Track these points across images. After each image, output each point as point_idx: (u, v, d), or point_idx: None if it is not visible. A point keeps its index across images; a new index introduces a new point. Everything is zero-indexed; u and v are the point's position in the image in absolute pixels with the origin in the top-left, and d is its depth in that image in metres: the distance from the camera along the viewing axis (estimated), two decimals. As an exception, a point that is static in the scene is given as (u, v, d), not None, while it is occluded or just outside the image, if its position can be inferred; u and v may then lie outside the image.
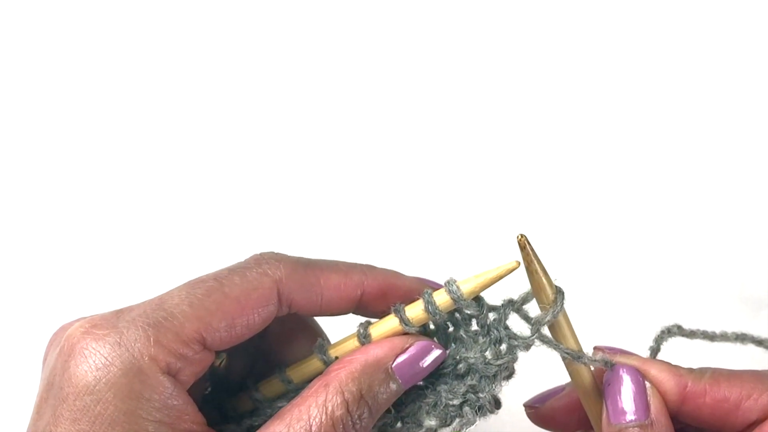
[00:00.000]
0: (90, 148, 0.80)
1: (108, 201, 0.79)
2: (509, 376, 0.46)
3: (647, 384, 0.45)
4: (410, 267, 0.51)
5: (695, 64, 0.79)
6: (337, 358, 0.45)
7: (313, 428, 0.41)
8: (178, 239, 0.78)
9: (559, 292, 0.45)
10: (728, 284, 0.76)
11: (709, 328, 0.68)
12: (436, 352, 0.45)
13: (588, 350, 0.47)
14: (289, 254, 0.44)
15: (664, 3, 0.80)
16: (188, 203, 0.79)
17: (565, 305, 0.45)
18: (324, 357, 0.46)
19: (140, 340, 0.39)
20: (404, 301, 0.46)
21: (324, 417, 0.41)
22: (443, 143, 0.79)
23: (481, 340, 0.45)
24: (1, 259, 0.78)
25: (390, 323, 0.45)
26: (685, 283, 0.76)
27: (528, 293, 0.45)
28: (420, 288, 0.46)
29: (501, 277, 0.44)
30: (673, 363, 0.47)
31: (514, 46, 0.80)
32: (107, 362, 0.39)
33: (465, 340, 0.46)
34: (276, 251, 0.45)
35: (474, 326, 0.46)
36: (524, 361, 0.47)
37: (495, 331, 0.45)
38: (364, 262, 0.47)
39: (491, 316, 0.45)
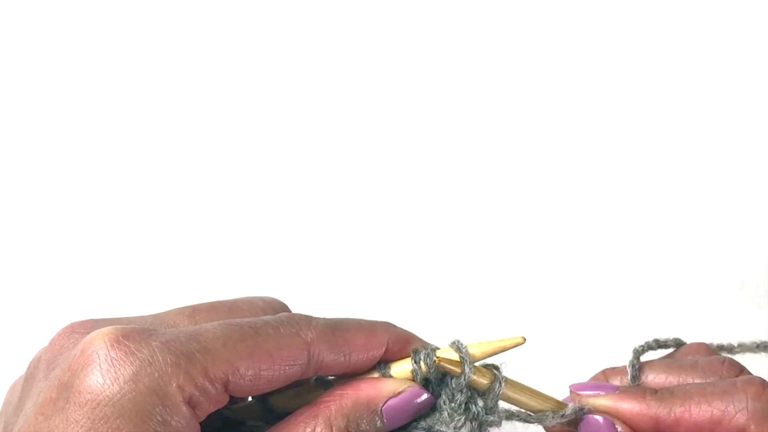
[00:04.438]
0: (91, 151, 0.80)
1: (105, 204, 0.80)
2: None
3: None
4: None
5: (692, 57, 0.80)
6: None
7: None
8: (176, 247, 0.79)
9: (496, 380, 0.45)
10: (727, 284, 0.76)
11: (709, 328, 0.68)
12: (425, 398, 0.45)
13: (559, 391, 0.48)
14: (315, 316, 0.45)
15: (664, 3, 0.80)
16: (188, 214, 0.80)
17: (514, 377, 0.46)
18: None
19: (171, 365, 0.39)
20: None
21: None
22: (444, 167, 0.81)
23: (457, 416, 0.45)
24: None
25: (405, 366, 0.46)
26: (684, 283, 0.77)
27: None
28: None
29: (506, 350, 0.45)
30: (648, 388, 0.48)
31: (515, 67, 0.81)
32: (135, 378, 0.38)
33: (444, 411, 0.46)
34: (304, 313, 0.45)
35: (455, 403, 0.46)
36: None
37: (473, 408, 0.45)
38: (384, 319, 0.48)
39: (465, 393, 0.45)
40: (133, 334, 0.40)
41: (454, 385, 0.45)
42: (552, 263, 0.77)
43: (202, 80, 0.82)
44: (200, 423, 0.42)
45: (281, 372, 0.42)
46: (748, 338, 0.54)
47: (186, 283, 0.77)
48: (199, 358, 0.40)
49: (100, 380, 0.38)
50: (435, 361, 0.45)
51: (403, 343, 0.46)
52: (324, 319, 0.45)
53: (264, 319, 0.43)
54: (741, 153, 0.79)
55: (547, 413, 0.46)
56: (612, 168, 0.80)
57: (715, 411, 0.44)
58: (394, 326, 0.47)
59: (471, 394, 0.45)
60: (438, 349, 0.45)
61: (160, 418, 0.38)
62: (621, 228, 0.78)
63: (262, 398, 0.46)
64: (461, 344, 0.45)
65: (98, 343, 0.39)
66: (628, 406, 0.46)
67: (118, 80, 0.81)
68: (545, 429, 0.48)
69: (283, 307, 0.48)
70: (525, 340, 0.44)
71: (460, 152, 0.81)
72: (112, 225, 0.79)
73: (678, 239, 0.78)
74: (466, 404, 0.45)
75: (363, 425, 0.43)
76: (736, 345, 0.54)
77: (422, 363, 0.45)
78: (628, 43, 0.81)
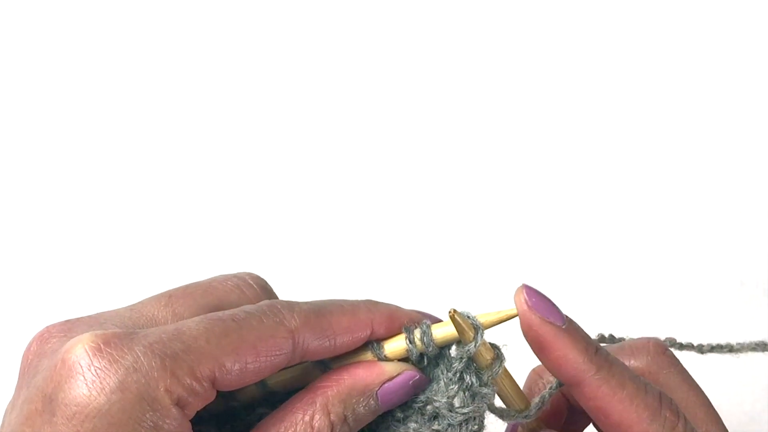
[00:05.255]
0: (83, 152, 0.81)
1: (94, 201, 0.80)
2: (479, 429, 0.45)
3: None
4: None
5: (693, 60, 0.80)
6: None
7: None
8: (163, 242, 0.79)
9: (498, 359, 0.45)
10: (727, 283, 0.76)
11: (708, 327, 0.68)
12: (419, 380, 0.46)
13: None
14: (299, 301, 0.45)
15: (664, 3, 0.80)
16: (178, 208, 0.80)
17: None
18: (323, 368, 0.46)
19: (158, 369, 0.38)
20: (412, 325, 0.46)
21: None
22: (438, 161, 0.81)
23: (450, 386, 0.45)
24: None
25: (398, 343, 0.46)
26: (684, 282, 0.77)
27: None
28: (420, 320, 0.47)
29: (502, 321, 0.45)
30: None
31: (520, 65, 0.81)
32: (122, 386, 0.38)
33: (441, 381, 0.46)
34: (288, 299, 0.45)
35: (450, 372, 0.46)
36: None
37: (467, 377, 0.45)
38: (366, 298, 0.47)
39: (461, 362, 0.45)
40: (114, 339, 0.39)
41: (454, 354, 0.45)
42: (551, 261, 0.77)
43: (193, 76, 0.82)
44: (212, 412, 0.43)
45: (267, 363, 0.42)
46: (748, 337, 0.54)
47: (165, 268, 0.77)
48: (184, 358, 0.39)
49: (86, 392, 0.38)
50: (432, 338, 0.45)
51: (388, 321, 0.46)
52: (306, 304, 0.44)
53: (246, 310, 0.43)
54: (741, 153, 0.79)
55: (509, 410, 0.47)
56: (612, 167, 0.80)
57: (633, 417, 0.44)
58: (377, 304, 0.46)
59: (468, 364, 0.45)
60: (437, 322, 0.46)
61: (151, 423, 0.38)
62: (621, 227, 0.78)
63: (262, 381, 0.46)
64: (470, 314, 0.45)
65: (79, 352, 0.38)
66: (566, 347, 0.45)
67: (112, 79, 0.82)
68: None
69: (257, 280, 0.48)
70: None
71: (457, 143, 0.81)
72: (87, 212, 0.79)
73: (678, 239, 0.78)
74: (461, 374, 0.45)
75: (359, 408, 0.44)
76: (735, 344, 0.54)
77: (418, 341, 0.45)
78: (629, 44, 0.81)
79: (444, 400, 0.45)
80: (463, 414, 0.44)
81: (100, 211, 0.79)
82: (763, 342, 0.54)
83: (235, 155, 0.81)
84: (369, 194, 0.80)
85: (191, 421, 0.42)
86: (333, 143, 0.81)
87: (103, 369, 0.38)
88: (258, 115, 0.82)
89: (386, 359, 0.46)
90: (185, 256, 0.78)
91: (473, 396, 0.45)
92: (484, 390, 0.45)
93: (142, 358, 0.38)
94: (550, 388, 0.48)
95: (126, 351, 0.38)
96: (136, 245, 0.78)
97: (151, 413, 0.38)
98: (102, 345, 0.38)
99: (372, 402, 0.44)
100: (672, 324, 0.69)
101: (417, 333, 0.45)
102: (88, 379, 0.38)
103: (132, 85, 0.81)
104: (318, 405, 0.43)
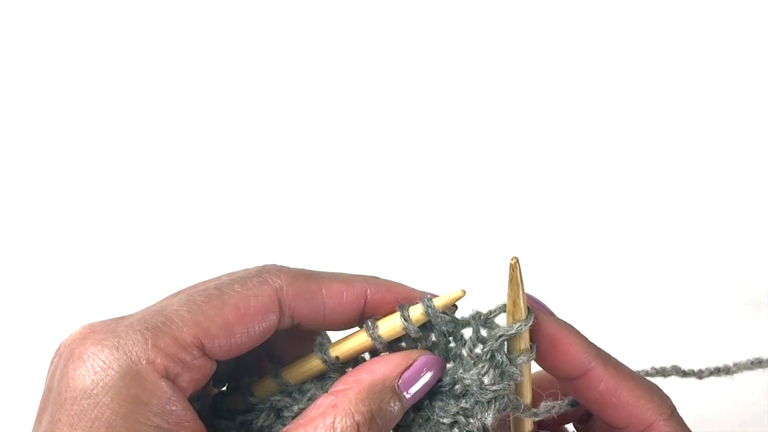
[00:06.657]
0: (92, 154, 0.82)
1: (112, 209, 0.81)
2: (505, 408, 0.45)
3: None
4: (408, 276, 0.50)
5: (693, 62, 0.81)
6: (337, 358, 0.45)
7: None
8: (180, 247, 0.80)
9: (533, 342, 0.45)
10: (726, 285, 0.76)
11: (708, 330, 0.68)
12: (438, 363, 0.45)
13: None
14: (291, 266, 0.45)
15: (664, 3, 0.81)
16: (190, 210, 0.81)
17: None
18: (325, 357, 0.45)
19: (138, 344, 0.39)
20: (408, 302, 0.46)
21: None
22: (443, 154, 0.81)
23: (480, 364, 0.44)
24: (5, 267, 0.79)
25: (393, 320, 0.45)
26: (683, 286, 0.76)
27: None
28: (420, 298, 0.46)
29: (452, 303, 0.45)
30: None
31: (516, 54, 0.82)
32: (105, 366, 0.39)
33: (465, 360, 0.45)
34: (279, 263, 0.45)
35: (478, 349, 0.45)
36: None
37: (498, 356, 0.44)
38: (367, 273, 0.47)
39: (498, 340, 0.45)
40: (100, 326, 0.40)
41: (487, 333, 0.45)
42: (550, 265, 0.77)
43: (198, 78, 0.83)
44: (232, 410, 0.43)
45: (256, 325, 0.42)
46: (746, 344, 0.54)
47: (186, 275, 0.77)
48: (164, 329, 0.40)
49: (75, 377, 0.39)
50: (437, 309, 0.45)
51: (385, 293, 0.45)
52: (300, 268, 0.44)
53: (230, 276, 0.43)
54: (739, 159, 0.79)
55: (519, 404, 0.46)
56: (611, 171, 0.80)
57: (638, 392, 0.45)
58: (377, 278, 0.46)
59: (501, 343, 0.44)
60: (437, 296, 0.45)
61: (138, 398, 0.38)
62: (620, 233, 0.78)
63: (276, 374, 0.46)
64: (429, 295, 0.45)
65: (70, 344, 0.40)
66: (570, 341, 0.45)
67: (117, 81, 0.82)
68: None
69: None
70: (464, 293, 0.45)
71: (467, 146, 0.81)
72: (111, 225, 0.80)
73: (677, 244, 0.77)
74: (493, 352, 0.44)
75: (385, 406, 0.43)
76: (732, 365, 0.54)
77: (420, 314, 0.45)
78: (629, 44, 0.81)
79: (475, 377, 0.44)
80: (493, 391, 0.44)
81: (128, 223, 0.80)
82: (758, 359, 0.55)
83: (255, 160, 0.81)
84: (380, 193, 0.81)
85: (216, 418, 0.43)
86: (345, 143, 0.82)
87: (88, 353, 0.39)
88: (271, 118, 0.82)
89: (380, 338, 0.45)
90: (210, 264, 0.78)
91: (502, 374, 0.44)
92: (513, 369, 0.44)
93: (123, 336, 0.39)
94: (564, 402, 0.47)
95: (109, 333, 0.39)
96: (163, 253, 0.79)
97: (137, 388, 0.38)
98: (89, 332, 0.40)
99: (397, 397, 0.43)
100: (671, 327, 0.69)
101: (414, 309, 0.45)
102: (77, 365, 0.39)
103: (152, 87, 0.82)
104: (340, 408, 0.42)
